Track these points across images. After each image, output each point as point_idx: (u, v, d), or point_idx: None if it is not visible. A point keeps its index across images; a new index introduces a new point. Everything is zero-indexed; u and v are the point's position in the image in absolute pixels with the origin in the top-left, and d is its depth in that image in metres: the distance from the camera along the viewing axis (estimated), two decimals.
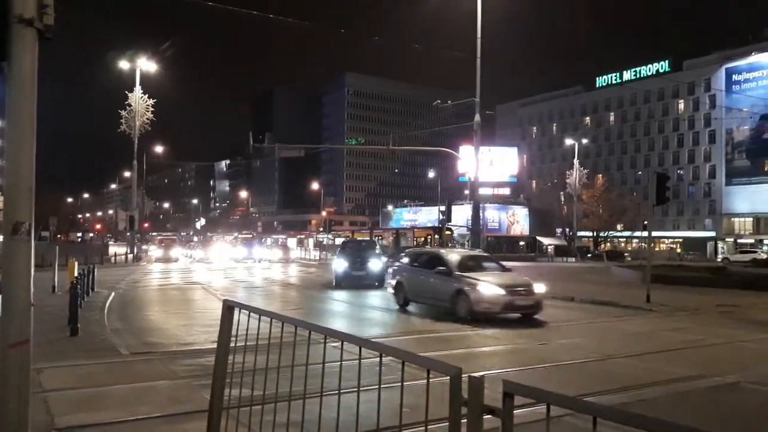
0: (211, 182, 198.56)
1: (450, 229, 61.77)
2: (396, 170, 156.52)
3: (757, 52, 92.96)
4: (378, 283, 21.98)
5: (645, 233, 48.49)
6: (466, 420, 2.34)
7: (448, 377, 2.43)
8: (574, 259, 63.86)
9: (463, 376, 2.41)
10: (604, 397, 6.87)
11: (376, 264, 22.98)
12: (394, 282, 16.39)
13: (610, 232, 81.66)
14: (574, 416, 3.51)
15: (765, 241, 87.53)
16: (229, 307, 4.35)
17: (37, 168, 3.57)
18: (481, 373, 2.37)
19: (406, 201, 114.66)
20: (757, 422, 6.46)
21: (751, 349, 10.00)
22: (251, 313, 4.15)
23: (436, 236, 60.26)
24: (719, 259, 60.28)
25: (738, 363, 9.11)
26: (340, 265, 22.99)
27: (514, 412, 2.26)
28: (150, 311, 15.52)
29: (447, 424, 2.44)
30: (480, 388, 2.32)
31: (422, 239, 63.74)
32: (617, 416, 1.97)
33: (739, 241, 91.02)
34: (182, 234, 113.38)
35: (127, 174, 66.65)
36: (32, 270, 3.51)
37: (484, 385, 2.32)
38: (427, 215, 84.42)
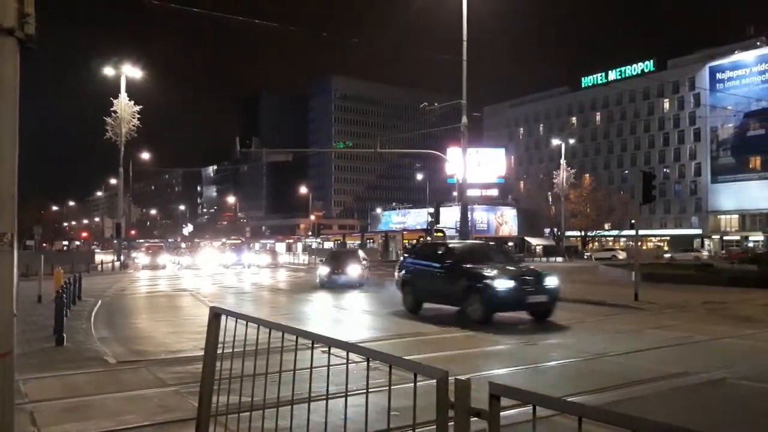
0: (198, 188, 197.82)
1: (442, 231, 61.74)
2: (378, 172, 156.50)
3: (741, 50, 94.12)
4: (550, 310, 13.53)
5: (632, 232, 48.81)
6: (453, 423, 2.35)
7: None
8: (561, 259, 64.24)
9: (450, 378, 2.42)
10: (592, 396, 6.90)
11: (553, 281, 13.57)
12: None
13: (598, 232, 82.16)
14: (562, 416, 3.52)
15: (750, 238, 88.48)
16: (215, 315, 4.33)
17: (20, 176, 3.54)
18: (468, 376, 2.38)
19: (394, 204, 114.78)
20: (745, 418, 6.51)
21: (738, 345, 10.09)
22: (238, 319, 4.14)
23: (428, 238, 60.21)
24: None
25: (724, 359, 9.18)
26: (502, 283, 12.85)
27: (502, 413, 2.26)
28: (137, 319, 15.41)
29: (435, 427, 2.44)
30: (466, 390, 2.32)
31: (415, 241, 63.60)
32: (602, 416, 1.98)
33: (725, 238, 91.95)
34: (169, 240, 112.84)
35: (113, 181, 66.25)
36: (15, 280, 3.48)
37: (470, 388, 2.33)
38: (416, 218, 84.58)
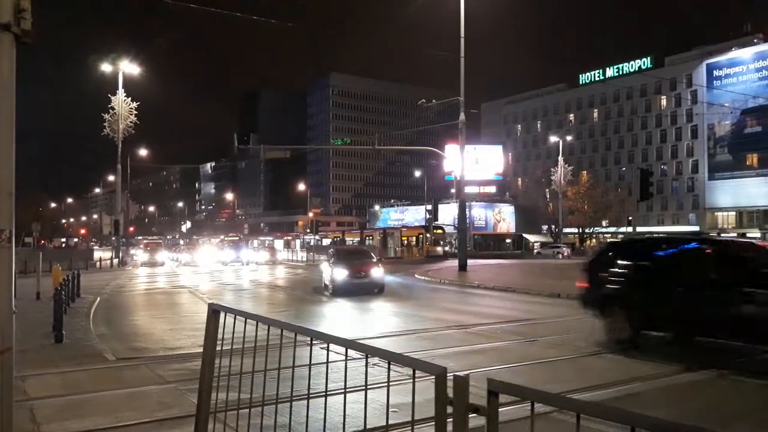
0: (197, 185, 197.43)
1: (441, 227, 61.58)
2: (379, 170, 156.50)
3: (738, 47, 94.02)
4: None
5: (630, 228, 48.85)
6: (451, 419, 2.35)
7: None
8: (560, 255, 64.28)
9: (449, 375, 2.42)
10: (592, 393, 6.91)
11: None
12: None
13: (595, 228, 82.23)
14: (560, 412, 3.53)
15: (748, 235, 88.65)
16: (214, 311, 4.33)
17: (18, 173, 3.53)
18: (466, 372, 2.38)
19: (393, 200, 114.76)
20: (743, 413, 6.53)
21: (734, 342, 10.07)
22: (237, 316, 4.14)
23: (427, 235, 60.09)
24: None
25: (722, 355, 9.19)
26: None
27: (500, 409, 2.27)
28: (136, 316, 15.40)
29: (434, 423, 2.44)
30: (465, 387, 2.32)
31: (414, 238, 63.42)
32: (600, 412, 1.99)
33: (722, 235, 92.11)
34: (168, 237, 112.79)
35: (111, 178, 65.99)
36: (13, 277, 3.47)
37: (469, 384, 2.33)
38: (414, 214, 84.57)
